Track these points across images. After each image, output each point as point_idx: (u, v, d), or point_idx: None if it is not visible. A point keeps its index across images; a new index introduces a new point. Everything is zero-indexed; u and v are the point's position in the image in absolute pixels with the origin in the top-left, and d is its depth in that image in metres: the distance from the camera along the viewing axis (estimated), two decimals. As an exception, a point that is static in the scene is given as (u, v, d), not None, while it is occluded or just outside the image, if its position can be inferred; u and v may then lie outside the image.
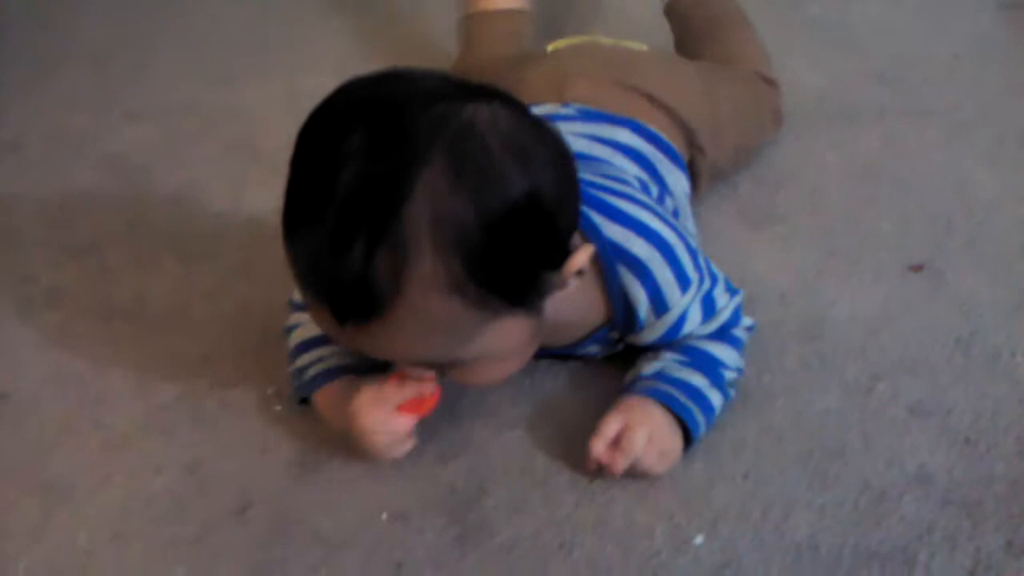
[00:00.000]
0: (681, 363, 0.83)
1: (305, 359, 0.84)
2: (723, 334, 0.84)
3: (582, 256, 0.70)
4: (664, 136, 0.96)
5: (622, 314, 0.80)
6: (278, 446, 0.85)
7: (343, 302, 0.62)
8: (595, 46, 1.11)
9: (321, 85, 1.38)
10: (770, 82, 1.13)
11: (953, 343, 0.90)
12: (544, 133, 0.67)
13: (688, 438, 0.80)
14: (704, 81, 1.06)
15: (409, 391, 0.75)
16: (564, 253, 0.69)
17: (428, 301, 0.61)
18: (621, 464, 0.77)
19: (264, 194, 1.15)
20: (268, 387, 0.90)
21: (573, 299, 0.73)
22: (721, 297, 0.83)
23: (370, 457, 0.78)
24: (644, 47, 1.12)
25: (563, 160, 0.67)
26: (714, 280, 0.83)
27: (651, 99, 0.98)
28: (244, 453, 0.84)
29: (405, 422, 0.76)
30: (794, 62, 1.28)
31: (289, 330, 0.88)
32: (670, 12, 1.26)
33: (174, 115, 1.34)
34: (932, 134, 1.18)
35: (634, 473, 0.78)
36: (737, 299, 0.85)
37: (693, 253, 0.81)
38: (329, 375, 0.82)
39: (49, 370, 0.95)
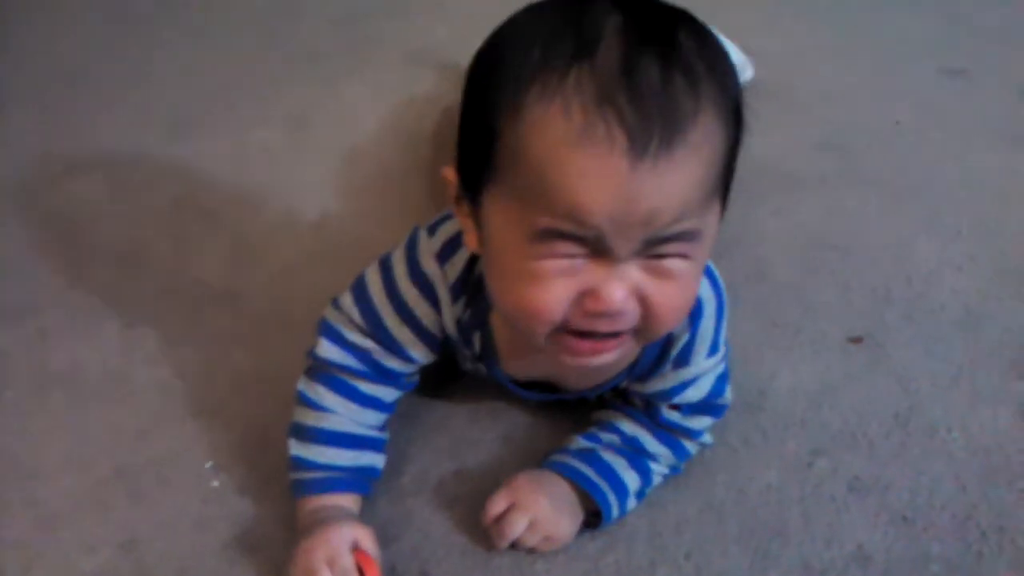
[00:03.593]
0: (611, 446, 0.84)
1: (317, 453, 0.81)
2: (678, 437, 0.84)
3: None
4: None
5: (655, 354, 0.80)
6: (216, 525, 0.83)
7: (649, 119, 0.57)
8: None
9: (271, 142, 1.38)
10: None
11: (892, 418, 0.92)
12: None
13: (600, 511, 0.80)
14: None
15: None
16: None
17: (716, 128, 0.61)
18: (500, 544, 0.79)
19: (209, 254, 1.15)
20: (206, 461, 0.89)
21: None
22: (729, 393, 0.84)
23: None
24: None
25: None
26: (728, 373, 0.84)
27: None
28: (181, 532, 0.83)
29: None
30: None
31: (305, 400, 0.82)
32: None
33: (120, 168, 1.32)
34: (872, 202, 1.20)
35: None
36: (720, 418, 0.86)
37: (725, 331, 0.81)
38: (321, 487, 0.80)
39: (-20, 440, 0.92)
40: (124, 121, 1.43)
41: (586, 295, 0.63)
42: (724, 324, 0.80)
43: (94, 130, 1.41)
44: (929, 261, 1.10)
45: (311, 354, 0.83)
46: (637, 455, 0.83)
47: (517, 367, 0.84)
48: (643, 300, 0.64)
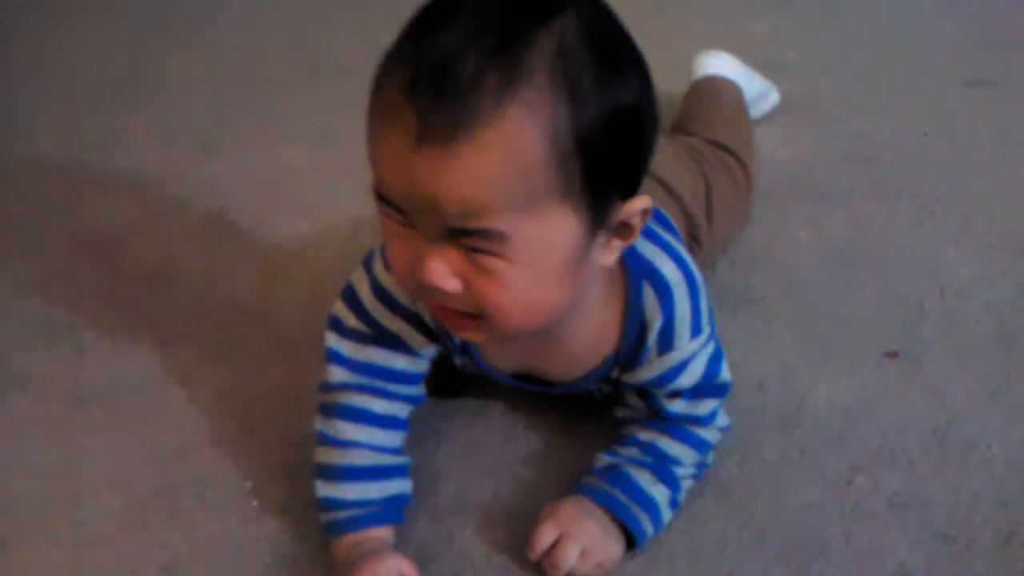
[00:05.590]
0: (633, 460, 0.83)
1: (346, 490, 0.81)
2: (691, 428, 0.84)
3: (644, 200, 0.69)
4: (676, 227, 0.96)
5: (632, 341, 0.80)
6: (256, 546, 0.83)
7: (442, 107, 0.59)
8: None
9: (301, 157, 1.39)
10: (748, 175, 1.15)
11: (929, 433, 0.91)
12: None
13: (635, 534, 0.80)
14: (702, 172, 1.07)
15: None
16: (635, 183, 0.69)
17: (522, 131, 0.60)
18: None
19: (241, 272, 1.16)
20: (245, 481, 0.89)
21: (591, 317, 0.78)
22: (726, 371, 0.84)
23: None
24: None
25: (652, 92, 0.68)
26: (722, 353, 0.84)
27: (665, 187, 0.98)
28: (221, 554, 0.83)
29: None
30: (767, 139, 1.31)
31: (326, 439, 0.83)
32: (688, 93, 1.32)
33: (151, 185, 1.33)
34: (902, 215, 1.20)
35: None
36: (724, 397, 0.85)
37: (711, 310, 0.82)
38: (357, 524, 0.80)
39: (20, 460, 0.93)
40: (152, 138, 1.44)
41: (417, 263, 0.66)
42: (704, 304, 0.80)
43: (123, 147, 1.42)
44: (962, 274, 1.10)
45: (323, 386, 0.84)
46: (660, 463, 0.83)
47: (497, 356, 0.85)
48: (470, 288, 0.66)
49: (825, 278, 1.11)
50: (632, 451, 0.84)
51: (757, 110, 1.36)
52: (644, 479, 0.82)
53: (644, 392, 0.84)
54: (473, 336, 0.72)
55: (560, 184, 0.63)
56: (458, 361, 0.88)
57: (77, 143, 1.44)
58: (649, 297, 0.78)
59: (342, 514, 0.80)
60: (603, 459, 0.84)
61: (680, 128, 1.24)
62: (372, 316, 0.82)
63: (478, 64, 0.59)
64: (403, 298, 0.81)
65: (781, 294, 1.09)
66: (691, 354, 0.80)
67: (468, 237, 0.63)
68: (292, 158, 1.37)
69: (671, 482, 0.82)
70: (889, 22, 1.67)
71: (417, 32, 0.63)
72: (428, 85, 0.59)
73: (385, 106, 0.62)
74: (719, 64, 1.33)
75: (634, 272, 0.78)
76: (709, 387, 0.83)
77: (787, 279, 1.11)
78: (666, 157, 1.03)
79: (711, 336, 0.82)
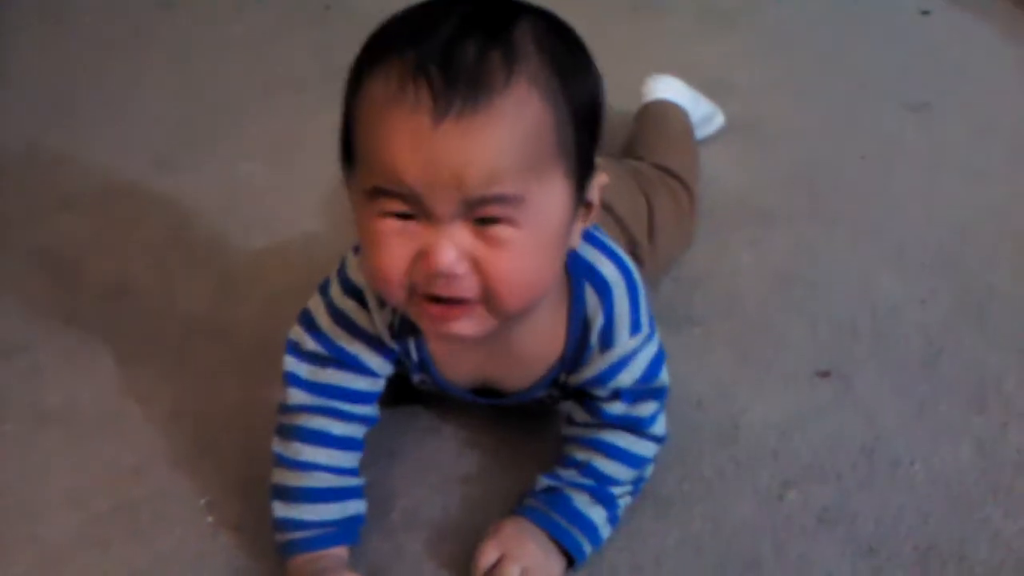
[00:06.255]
0: (571, 482, 0.86)
1: (304, 511, 0.83)
2: (628, 442, 0.87)
3: (603, 176, 0.77)
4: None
5: (577, 341, 0.84)
6: (212, 561, 0.86)
7: (455, 84, 0.65)
8: None
9: (257, 173, 1.41)
10: (691, 197, 1.20)
11: (858, 450, 0.96)
12: None
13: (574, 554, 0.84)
14: (644, 194, 1.12)
15: None
16: (594, 161, 0.76)
17: (531, 98, 0.67)
18: None
19: (198, 287, 1.18)
20: (201, 497, 0.91)
21: (541, 321, 0.81)
22: (665, 374, 0.88)
23: None
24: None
25: None
26: (663, 355, 0.87)
27: (606, 207, 1.01)
28: (179, 570, 0.85)
29: None
30: (712, 160, 1.35)
31: (283, 461, 0.85)
32: (637, 116, 1.37)
33: (108, 201, 1.34)
34: (839, 238, 1.25)
35: None
36: (663, 400, 0.89)
37: (650, 313, 0.86)
38: (314, 544, 0.83)
39: (-22, 477, 0.95)
40: (109, 153, 1.45)
41: (421, 256, 0.69)
42: (643, 302, 0.84)
43: (80, 163, 1.42)
44: (893, 295, 1.15)
45: (283, 408, 0.87)
46: (598, 484, 0.86)
47: (453, 371, 0.88)
48: (478, 267, 0.70)
49: (764, 298, 1.15)
50: (570, 473, 0.87)
51: (702, 132, 1.41)
52: (582, 501, 0.85)
53: (585, 395, 0.88)
54: (462, 328, 0.74)
55: (560, 149, 0.70)
56: (416, 378, 0.91)
57: (33, 159, 1.45)
58: (591, 297, 0.82)
59: (299, 534, 0.83)
60: (543, 481, 0.88)
61: (628, 152, 1.28)
62: (330, 339, 0.85)
63: (479, 46, 0.66)
64: (361, 321, 0.84)
65: (722, 313, 1.13)
66: (631, 351, 0.84)
67: (485, 206, 0.67)
68: (248, 174, 1.39)
69: (608, 501, 0.86)
70: (832, 46, 1.72)
71: (402, 31, 0.69)
72: (437, 67, 0.65)
73: (387, 96, 0.67)
74: (666, 88, 1.38)
75: (575, 274, 0.83)
76: (648, 389, 0.87)
77: (728, 299, 1.15)
78: (608, 178, 1.07)
79: (651, 336, 0.86)
